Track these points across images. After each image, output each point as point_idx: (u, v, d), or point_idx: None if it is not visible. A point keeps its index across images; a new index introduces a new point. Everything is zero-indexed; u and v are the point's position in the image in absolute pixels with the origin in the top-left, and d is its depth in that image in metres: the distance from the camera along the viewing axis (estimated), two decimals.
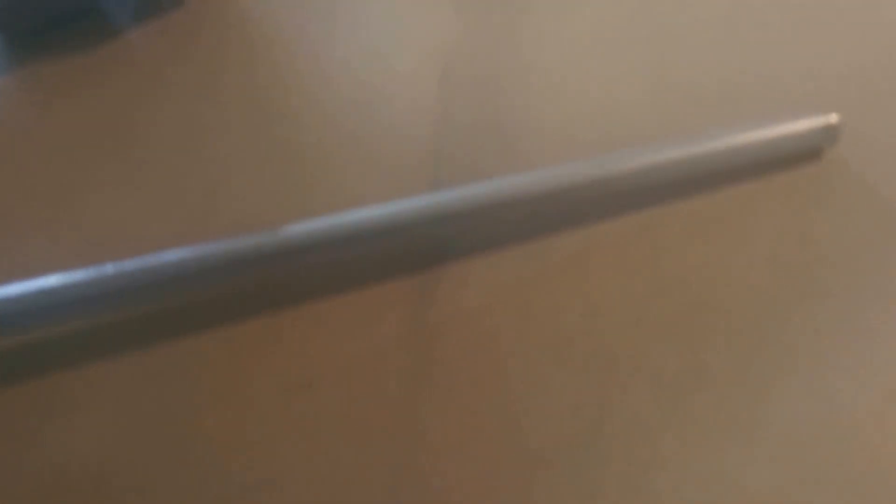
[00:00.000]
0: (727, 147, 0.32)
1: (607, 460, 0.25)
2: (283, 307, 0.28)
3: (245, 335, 0.27)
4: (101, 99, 0.26)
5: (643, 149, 0.30)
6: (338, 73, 0.27)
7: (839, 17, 0.37)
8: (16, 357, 0.26)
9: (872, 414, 0.26)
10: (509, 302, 0.28)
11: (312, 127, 0.27)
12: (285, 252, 0.27)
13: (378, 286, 0.28)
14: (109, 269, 0.26)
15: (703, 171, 0.31)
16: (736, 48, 0.34)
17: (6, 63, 0.24)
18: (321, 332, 0.28)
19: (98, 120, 0.26)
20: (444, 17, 0.28)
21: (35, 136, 0.24)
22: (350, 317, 0.28)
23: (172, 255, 0.26)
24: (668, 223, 0.31)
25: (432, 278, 0.28)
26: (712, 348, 0.28)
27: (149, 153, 0.26)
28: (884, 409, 0.27)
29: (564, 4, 0.30)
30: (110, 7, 0.27)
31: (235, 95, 0.27)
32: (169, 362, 0.27)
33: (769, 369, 0.27)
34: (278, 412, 0.26)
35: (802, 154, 0.33)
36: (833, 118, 0.33)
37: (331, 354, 0.27)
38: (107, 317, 0.26)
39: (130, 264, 0.26)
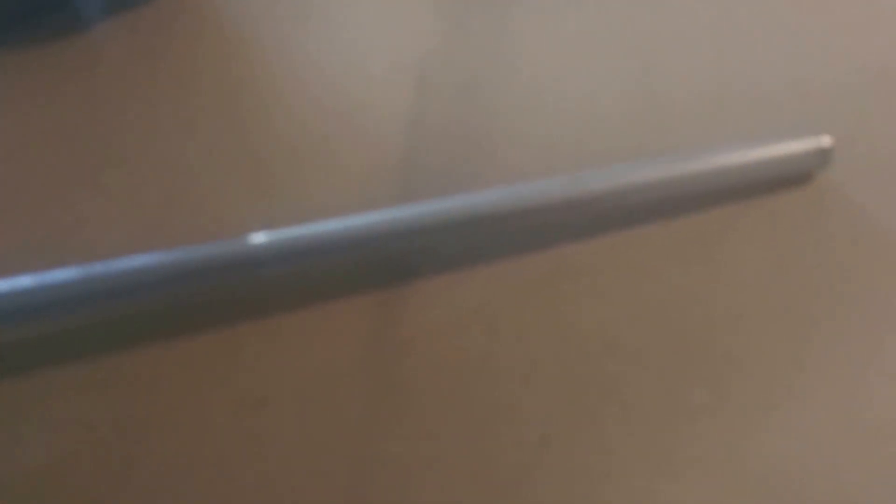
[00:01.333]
0: (713, 167, 0.30)
1: (573, 489, 0.24)
2: (240, 320, 0.27)
3: (199, 348, 0.26)
4: (66, 96, 0.25)
5: (624, 167, 0.29)
6: (311, 75, 0.26)
7: (832, 34, 0.36)
8: None
9: (854, 452, 0.25)
10: (477, 322, 0.27)
11: (282, 131, 0.26)
12: (246, 262, 0.26)
13: (342, 301, 0.27)
14: (59, 274, 0.25)
15: (687, 191, 0.30)
16: (724, 62, 0.33)
17: None
18: (279, 347, 0.27)
19: (61, 118, 0.25)
20: (423, 19, 0.27)
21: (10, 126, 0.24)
22: (311, 332, 0.27)
23: (128, 262, 0.25)
24: (646, 245, 0.29)
25: (398, 295, 0.27)
26: (690, 379, 0.26)
27: (111, 153, 0.25)
28: (867, 448, 0.25)
29: (548, 10, 0.29)
30: (80, 1, 0.26)
31: (204, 96, 0.26)
32: (118, 375, 0.25)
33: (749, 403, 0.26)
34: (229, 430, 0.25)
35: (791, 177, 0.32)
36: (825, 141, 0.32)
37: (288, 371, 0.26)
38: (51, 324, 0.25)
39: (81, 270, 0.25)
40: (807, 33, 0.36)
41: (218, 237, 0.26)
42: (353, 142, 0.27)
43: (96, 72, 0.25)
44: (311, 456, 0.24)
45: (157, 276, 0.25)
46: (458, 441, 0.24)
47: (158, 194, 0.26)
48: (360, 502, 0.23)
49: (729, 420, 0.26)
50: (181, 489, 0.23)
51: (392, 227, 0.26)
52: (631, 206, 0.29)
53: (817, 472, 0.25)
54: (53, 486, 0.23)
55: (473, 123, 0.27)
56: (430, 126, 0.27)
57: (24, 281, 0.24)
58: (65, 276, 0.25)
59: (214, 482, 0.24)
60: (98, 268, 0.25)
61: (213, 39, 0.26)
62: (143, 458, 0.24)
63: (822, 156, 0.32)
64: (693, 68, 0.32)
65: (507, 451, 0.24)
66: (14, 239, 0.25)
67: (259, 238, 0.25)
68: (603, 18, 0.30)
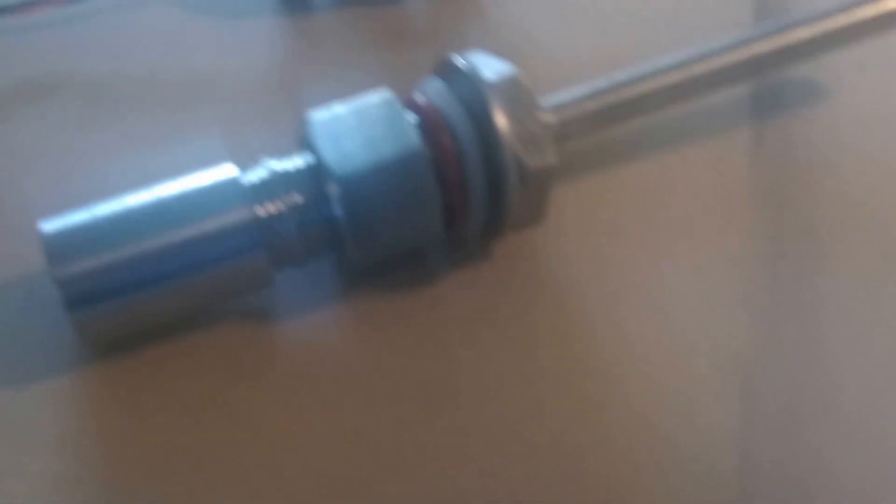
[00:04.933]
0: None
1: None
2: None
3: None
4: (417, 344, 0.25)
5: None
6: (640, 359, 0.25)
7: None
8: None
9: None
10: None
11: (612, 417, 0.24)
12: None
13: None
14: None
15: None
16: None
17: (339, 292, 0.26)
18: None
19: (411, 364, 0.25)
20: (739, 320, 0.26)
21: (359, 368, 0.25)
22: None
23: None
24: None
25: None
26: None
27: (452, 406, 0.24)
28: None
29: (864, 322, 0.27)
30: (430, 253, 0.27)
31: (537, 362, 0.25)
32: None
33: None
34: None
35: None
36: None
37: None
38: None
39: None
40: None
41: None
42: (685, 444, 0.25)
43: (442, 324, 0.26)
44: None
45: None
46: None
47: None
48: None
49: None
50: None
51: None
52: None
53: None
54: None
55: (800, 454, 0.25)
56: (759, 449, 0.25)
57: None
58: None
59: None
60: None
61: (548, 304, 0.27)
62: None
63: None
64: None
65: None
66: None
67: None
68: None
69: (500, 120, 0.23)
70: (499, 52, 0.29)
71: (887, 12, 0.29)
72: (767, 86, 0.33)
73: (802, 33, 0.29)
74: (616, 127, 0.28)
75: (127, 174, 0.27)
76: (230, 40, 0.34)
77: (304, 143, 0.24)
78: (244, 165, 0.24)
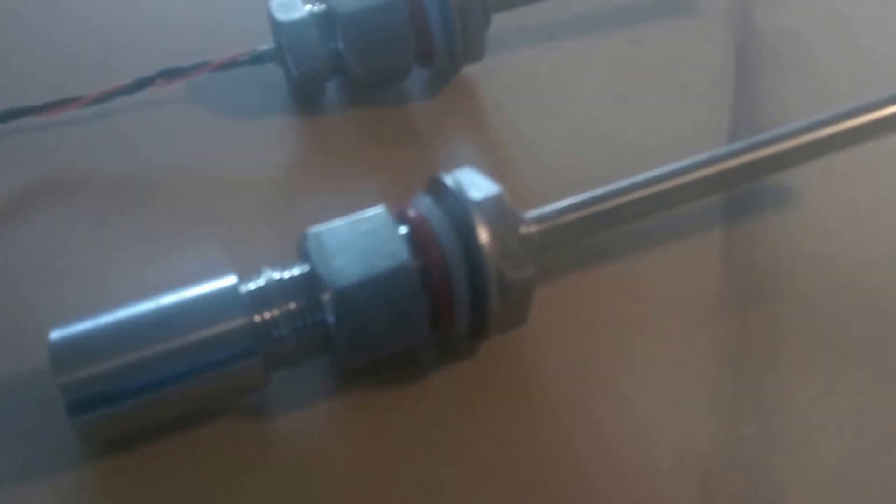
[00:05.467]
0: None
1: None
2: None
3: None
4: (405, 437, 0.28)
5: None
6: (607, 457, 0.28)
7: None
8: None
9: None
10: None
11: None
12: None
13: None
14: None
15: None
16: None
17: (333, 389, 0.28)
18: None
19: (399, 456, 0.27)
20: (704, 419, 0.28)
21: (350, 462, 0.27)
22: None
23: None
24: None
25: None
26: None
27: (436, 498, 0.27)
28: None
29: (825, 424, 0.29)
30: (421, 351, 0.29)
31: (514, 457, 0.27)
32: None
33: None
34: None
35: None
36: None
37: None
38: None
39: None
40: None
41: None
42: None
43: (428, 418, 0.28)
44: None
45: None
46: None
47: None
48: None
49: None
50: None
51: None
52: None
53: None
54: None
55: None
56: None
57: None
58: None
59: None
60: None
61: (524, 404, 0.29)
62: None
63: None
64: None
65: None
66: None
67: None
68: None
69: (484, 236, 0.26)
70: (492, 155, 0.32)
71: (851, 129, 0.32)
72: (739, 190, 0.35)
73: (769, 151, 0.31)
74: (594, 236, 0.30)
75: (137, 272, 0.30)
76: (244, 139, 0.36)
77: (303, 253, 0.27)
78: (249, 264, 0.27)
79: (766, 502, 0.27)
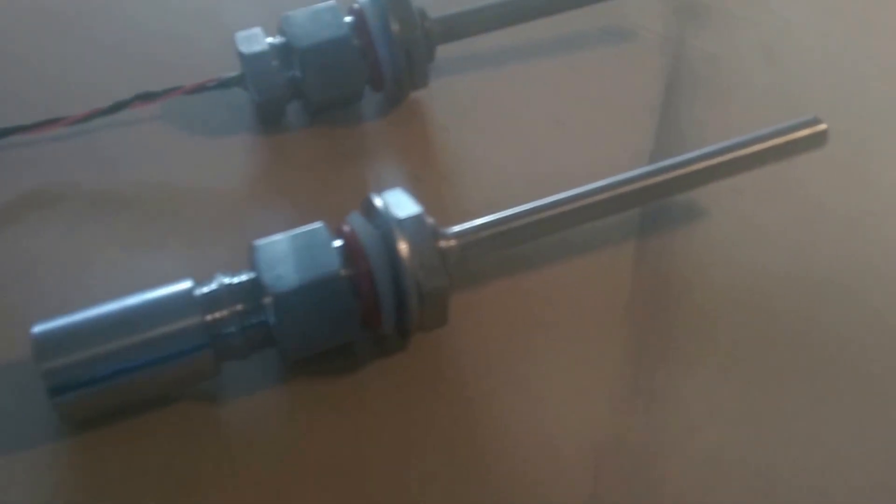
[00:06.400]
0: None
1: None
2: None
3: None
4: (341, 421, 0.32)
5: None
6: (515, 441, 0.32)
7: None
8: None
9: None
10: None
11: (488, 486, 0.31)
12: None
13: None
14: None
15: None
16: None
17: (280, 377, 0.33)
18: None
19: (335, 439, 0.31)
20: (598, 411, 0.32)
21: (292, 441, 0.31)
22: None
23: None
24: None
25: None
26: None
27: (363, 475, 0.31)
28: None
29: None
30: (358, 346, 0.33)
31: (432, 441, 0.32)
32: None
33: None
34: None
35: None
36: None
37: None
38: None
39: None
40: None
41: None
42: None
43: (361, 409, 0.32)
44: None
45: None
46: None
47: None
48: None
49: None
50: None
51: None
52: None
53: None
54: None
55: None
56: None
57: None
58: None
59: None
60: None
61: (443, 395, 0.33)
62: None
63: None
64: None
65: None
66: None
67: None
68: None
69: (404, 249, 0.30)
70: (436, 172, 0.36)
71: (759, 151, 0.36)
72: (653, 206, 0.39)
73: (683, 170, 0.35)
74: (509, 249, 0.34)
75: (110, 274, 0.34)
76: (211, 156, 0.41)
77: (250, 262, 0.31)
78: (205, 269, 0.31)
79: (649, 483, 0.31)
